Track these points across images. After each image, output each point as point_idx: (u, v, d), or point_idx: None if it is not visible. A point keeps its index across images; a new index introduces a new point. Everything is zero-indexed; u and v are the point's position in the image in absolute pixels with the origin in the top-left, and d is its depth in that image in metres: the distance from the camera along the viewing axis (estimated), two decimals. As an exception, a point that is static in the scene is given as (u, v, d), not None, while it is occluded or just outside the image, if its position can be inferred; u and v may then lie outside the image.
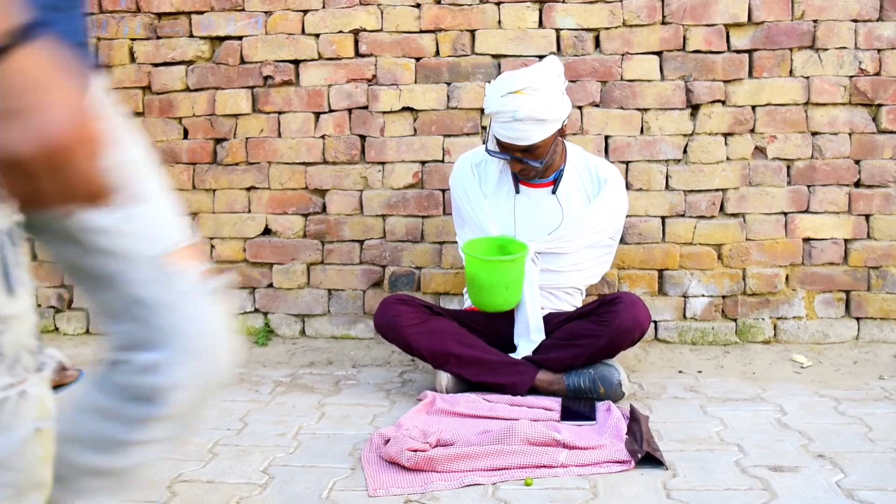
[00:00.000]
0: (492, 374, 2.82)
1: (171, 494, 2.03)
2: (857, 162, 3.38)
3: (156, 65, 3.68)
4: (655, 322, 3.48)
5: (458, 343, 2.87)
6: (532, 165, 2.87)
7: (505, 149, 2.88)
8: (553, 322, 2.96)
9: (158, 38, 3.66)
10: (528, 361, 2.86)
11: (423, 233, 3.58)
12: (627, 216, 3.28)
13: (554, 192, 2.99)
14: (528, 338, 2.93)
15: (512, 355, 2.90)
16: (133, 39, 3.68)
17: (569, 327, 2.90)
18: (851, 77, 3.35)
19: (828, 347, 3.38)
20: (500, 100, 2.79)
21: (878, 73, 3.35)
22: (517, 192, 3.00)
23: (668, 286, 3.48)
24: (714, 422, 2.55)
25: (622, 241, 3.39)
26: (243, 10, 3.61)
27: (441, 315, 3.00)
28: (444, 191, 3.52)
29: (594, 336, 2.78)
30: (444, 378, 2.85)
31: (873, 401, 2.76)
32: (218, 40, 3.65)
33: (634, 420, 2.45)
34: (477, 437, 2.30)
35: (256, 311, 3.70)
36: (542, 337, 2.92)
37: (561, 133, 2.91)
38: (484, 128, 3.48)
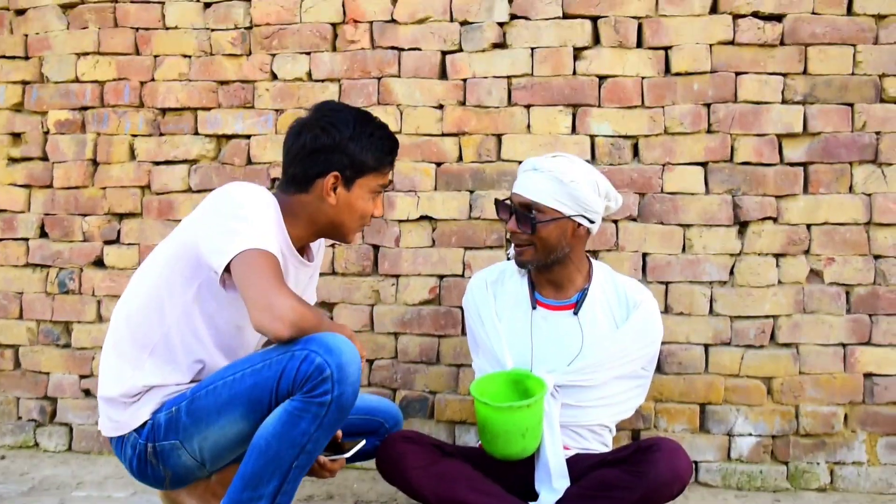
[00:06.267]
0: (508, 529, 2.53)
1: None
2: (926, 290, 3.15)
3: (157, 163, 3.50)
4: (696, 463, 3.20)
5: (471, 489, 2.57)
6: (523, 231, 2.67)
7: (508, 205, 2.72)
8: (580, 466, 2.65)
9: (161, 134, 3.50)
10: (550, 514, 2.55)
11: (438, 354, 3.34)
12: (666, 343, 3.06)
13: (576, 313, 2.73)
14: (550, 485, 2.62)
15: (532, 505, 2.60)
16: (134, 136, 3.52)
17: (598, 476, 2.58)
18: (919, 195, 3.14)
19: (892, 498, 3.10)
20: (529, 161, 2.76)
21: (948, 193, 3.13)
22: (533, 308, 2.77)
23: (711, 423, 3.20)
24: None
25: (659, 369, 3.14)
26: (253, 107, 3.44)
27: (453, 455, 2.71)
28: (462, 308, 3.26)
29: (627, 488, 2.48)
30: (454, 529, 2.55)
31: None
32: (224, 138, 3.47)
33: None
34: None
35: (254, 432, 3.42)
36: (567, 484, 2.61)
37: (575, 236, 2.71)
38: (508, 241, 3.23)
